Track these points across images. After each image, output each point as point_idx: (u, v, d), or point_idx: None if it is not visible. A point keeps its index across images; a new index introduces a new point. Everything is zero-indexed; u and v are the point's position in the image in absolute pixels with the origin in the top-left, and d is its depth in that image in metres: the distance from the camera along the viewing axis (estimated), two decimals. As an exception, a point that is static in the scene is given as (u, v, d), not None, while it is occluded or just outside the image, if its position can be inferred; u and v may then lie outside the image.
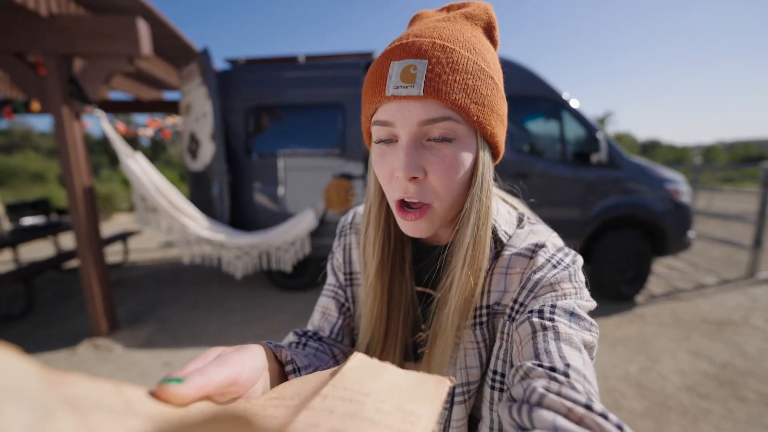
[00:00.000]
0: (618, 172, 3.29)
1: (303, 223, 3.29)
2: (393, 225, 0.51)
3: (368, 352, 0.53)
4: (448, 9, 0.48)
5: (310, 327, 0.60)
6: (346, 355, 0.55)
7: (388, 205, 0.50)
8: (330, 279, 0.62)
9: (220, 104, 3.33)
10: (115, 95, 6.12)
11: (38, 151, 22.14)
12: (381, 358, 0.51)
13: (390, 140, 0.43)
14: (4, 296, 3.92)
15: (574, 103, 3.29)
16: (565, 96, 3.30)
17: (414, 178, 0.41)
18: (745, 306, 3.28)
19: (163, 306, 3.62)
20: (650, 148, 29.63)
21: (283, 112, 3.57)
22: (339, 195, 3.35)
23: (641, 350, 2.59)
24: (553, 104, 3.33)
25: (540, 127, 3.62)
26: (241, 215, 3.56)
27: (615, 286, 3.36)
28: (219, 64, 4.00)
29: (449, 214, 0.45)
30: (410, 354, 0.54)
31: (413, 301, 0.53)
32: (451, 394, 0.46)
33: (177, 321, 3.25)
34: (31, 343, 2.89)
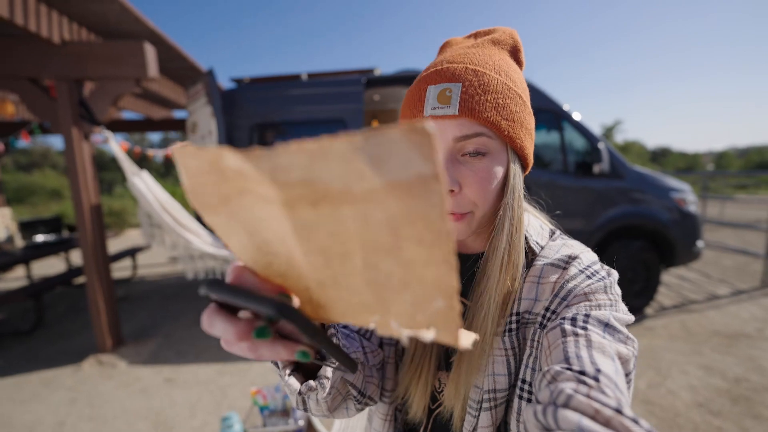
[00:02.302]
0: (621, 181, 3.26)
1: (305, 237, 3.31)
2: None
3: (405, 360, 0.54)
4: (476, 36, 0.52)
5: None
6: (374, 353, 0.54)
7: None
8: None
9: (224, 122, 3.41)
10: (127, 115, 6.32)
11: (56, 169, 22.85)
12: (416, 367, 0.53)
13: None
14: (15, 312, 4.00)
15: (576, 116, 3.29)
16: (565, 107, 3.31)
17: (450, 191, 0.44)
18: (760, 318, 3.17)
19: (167, 321, 3.65)
20: (660, 156, 29.25)
21: (287, 129, 3.65)
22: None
23: (650, 365, 2.51)
24: (553, 116, 3.33)
25: (541, 138, 3.62)
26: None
27: (623, 297, 3.28)
28: (225, 83, 4.13)
29: (485, 221, 0.48)
30: (443, 362, 0.55)
31: None
32: (479, 401, 0.47)
33: (180, 336, 3.27)
34: (38, 359, 2.93)
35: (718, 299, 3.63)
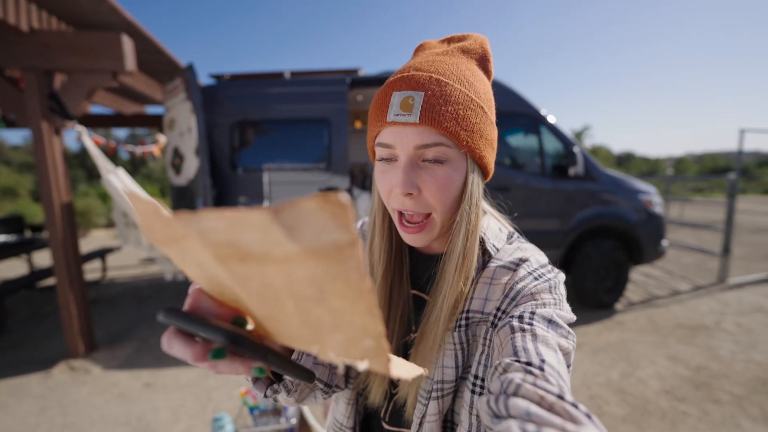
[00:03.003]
0: (594, 184, 3.43)
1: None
2: (395, 233, 0.56)
3: None
4: (449, 41, 0.53)
5: None
6: None
7: (390, 216, 0.55)
8: None
9: (204, 119, 3.32)
10: (95, 109, 6.01)
11: (10, 166, 21.33)
12: None
13: (390, 159, 0.48)
14: (-29, 318, 3.72)
15: (551, 119, 3.43)
16: (543, 112, 3.45)
17: (409, 194, 0.46)
18: (717, 311, 3.43)
19: (142, 325, 3.51)
20: (625, 160, 30.88)
21: (268, 127, 3.60)
22: (325, 209, 3.36)
23: (621, 356, 2.67)
24: (531, 120, 3.46)
25: (520, 141, 3.75)
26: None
27: (595, 294, 3.46)
28: (204, 79, 4.01)
29: (445, 225, 0.50)
30: (401, 354, 0.57)
31: (409, 303, 0.57)
32: (429, 390, 0.49)
33: (157, 340, 3.16)
34: (2, 367, 2.75)
35: (680, 294, 3.89)
